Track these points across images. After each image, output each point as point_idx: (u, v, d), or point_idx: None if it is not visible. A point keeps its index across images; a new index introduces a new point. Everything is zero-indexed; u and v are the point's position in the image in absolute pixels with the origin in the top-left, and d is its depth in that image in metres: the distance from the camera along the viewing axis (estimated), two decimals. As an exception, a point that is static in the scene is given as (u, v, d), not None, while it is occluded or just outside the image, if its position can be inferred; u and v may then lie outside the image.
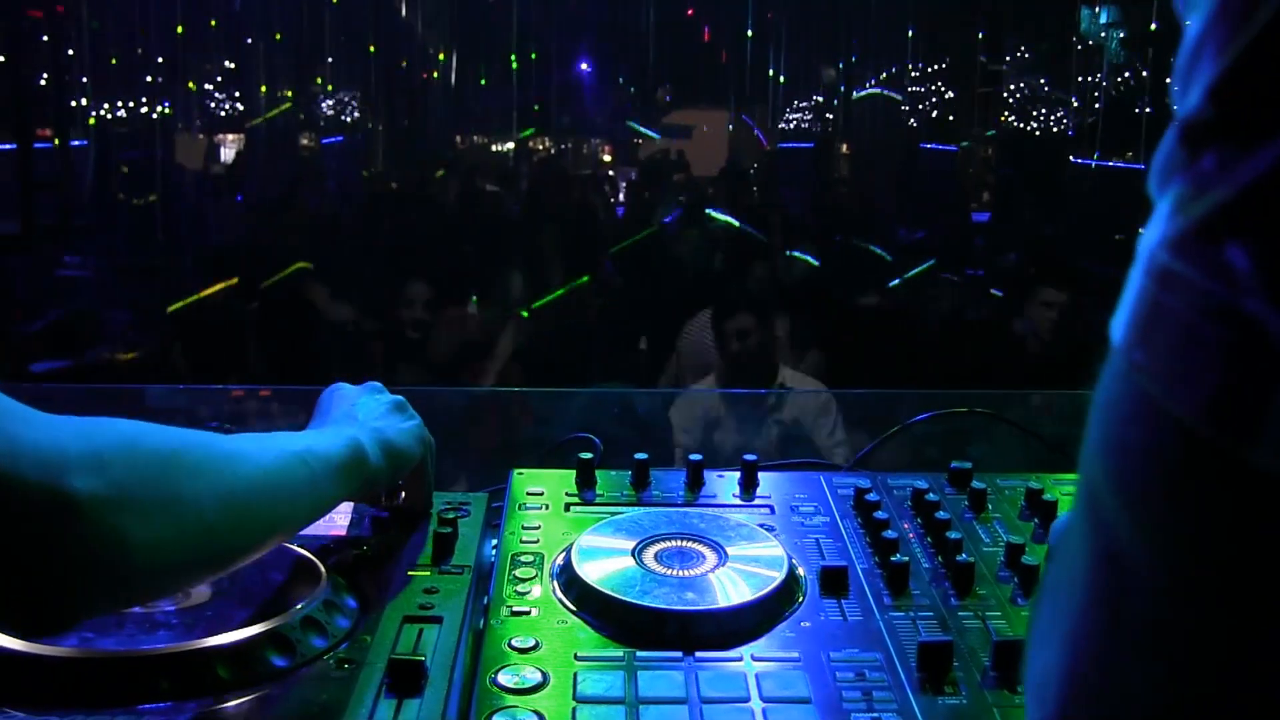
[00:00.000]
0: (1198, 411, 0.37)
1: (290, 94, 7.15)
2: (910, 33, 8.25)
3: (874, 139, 8.27)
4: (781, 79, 8.25)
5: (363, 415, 1.01)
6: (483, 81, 8.38)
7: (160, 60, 6.91)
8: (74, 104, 6.56)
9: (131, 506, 0.67)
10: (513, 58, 7.85)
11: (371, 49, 7.67)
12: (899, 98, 8.10)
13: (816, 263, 5.08)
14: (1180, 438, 0.38)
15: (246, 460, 0.80)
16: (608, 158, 8.99)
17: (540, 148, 8.55)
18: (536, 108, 8.22)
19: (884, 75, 8.29)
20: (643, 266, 5.08)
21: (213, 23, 7.04)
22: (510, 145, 8.33)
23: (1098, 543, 0.43)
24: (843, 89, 8.50)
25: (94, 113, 6.69)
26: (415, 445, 1.03)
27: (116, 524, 0.66)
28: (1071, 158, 7.90)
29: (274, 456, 0.83)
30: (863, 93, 8.27)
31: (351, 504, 1.09)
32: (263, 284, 4.39)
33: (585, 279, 4.75)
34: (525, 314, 4.50)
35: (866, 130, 8.26)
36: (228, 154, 7.58)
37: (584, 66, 8.64)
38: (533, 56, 7.92)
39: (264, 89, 7.33)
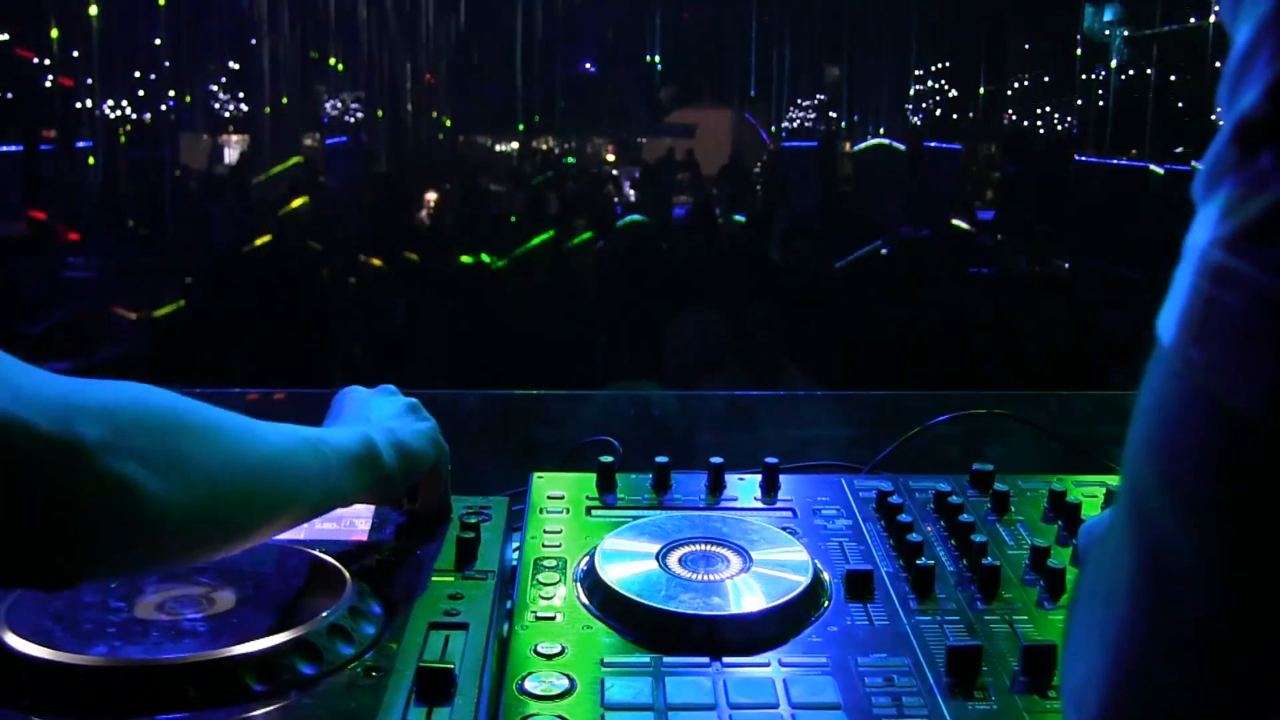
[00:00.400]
0: (1258, 404, 0.37)
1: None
2: (911, 31, 8.24)
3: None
4: (784, 78, 8.23)
5: (376, 416, 1.01)
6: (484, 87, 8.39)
7: (165, 62, 6.91)
8: (79, 105, 6.56)
9: (138, 456, 0.68)
10: (516, 57, 7.84)
11: (371, 50, 7.67)
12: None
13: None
14: (1237, 432, 0.38)
15: (254, 434, 0.80)
16: (611, 157, 8.97)
17: (544, 147, 8.54)
18: (539, 114, 8.22)
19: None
20: (647, 263, 5.07)
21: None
22: (515, 145, 8.32)
23: (1142, 545, 0.43)
24: (845, 82, 8.46)
25: (99, 112, 6.69)
26: (429, 447, 1.03)
27: (125, 471, 0.66)
28: (1076, 155, 7.89)
29: (284, 436, 0.84)
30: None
31: (372, 508, 1.08)
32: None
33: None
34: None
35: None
36: (232, 154, 7.57)
37: (587, 66, 8.64)
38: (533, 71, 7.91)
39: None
